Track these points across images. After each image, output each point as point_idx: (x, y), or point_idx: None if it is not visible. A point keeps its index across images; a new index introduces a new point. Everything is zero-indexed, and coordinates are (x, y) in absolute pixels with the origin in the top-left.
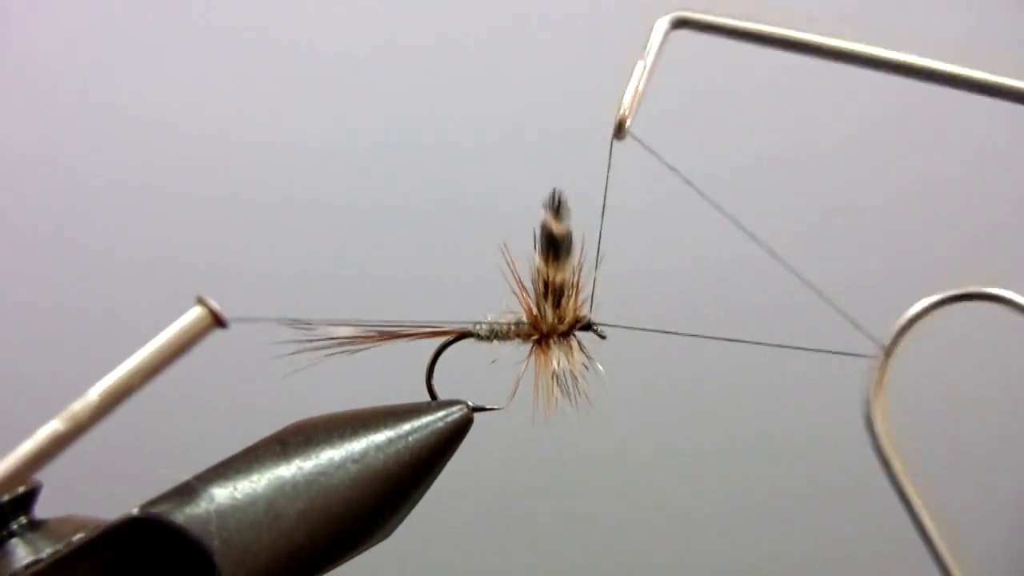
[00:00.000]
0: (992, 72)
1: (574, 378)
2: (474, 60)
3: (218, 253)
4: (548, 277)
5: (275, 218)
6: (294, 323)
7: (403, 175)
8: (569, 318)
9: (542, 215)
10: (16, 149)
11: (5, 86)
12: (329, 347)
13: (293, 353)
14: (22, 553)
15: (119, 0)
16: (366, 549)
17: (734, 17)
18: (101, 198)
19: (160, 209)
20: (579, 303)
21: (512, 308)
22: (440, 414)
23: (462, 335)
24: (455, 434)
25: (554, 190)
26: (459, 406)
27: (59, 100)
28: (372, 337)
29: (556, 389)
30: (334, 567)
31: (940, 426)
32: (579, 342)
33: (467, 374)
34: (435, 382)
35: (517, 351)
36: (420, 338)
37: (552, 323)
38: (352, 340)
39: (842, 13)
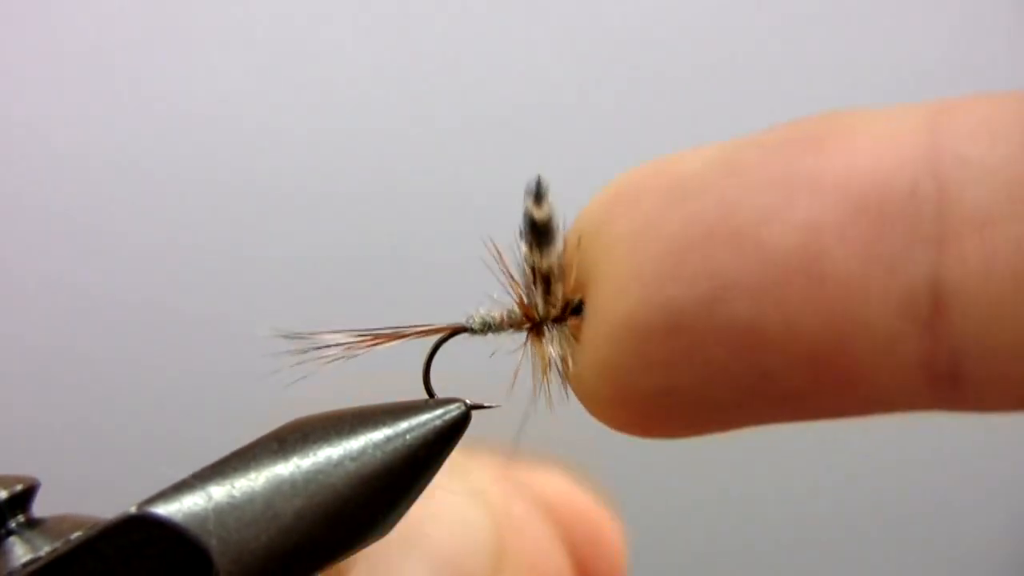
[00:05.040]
0: (989, 72)
1: (566, 365)
2: (457, 54)
3: (214, 248)
4: (535, 264)
5: (266, 215)
6: (290, 335)
7: (381, 170)
8: (560, 302)
9: (524, 202)
10: (17, 145)
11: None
12: (326, 356)
13: (294, 365)
14: (20, 551)
15: None
16: (364, 547)
17: None
18: (100, 199)
19: (160, 213)
20: (569, 286)
21: (502, 299)
22: (438, 412)
23: (456, 331)
24: (452, 432)
25: (538, 177)
26: (456, 404)
27: (59, 96)
28: (367, 342)
29: (551, 376)
30: (332, 565)
31: None
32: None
33: (466, 371)
34: (432, 381)
35: (515, 342)
36: (414, 337)
37: (545, 309)
38: (347, 347)
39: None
